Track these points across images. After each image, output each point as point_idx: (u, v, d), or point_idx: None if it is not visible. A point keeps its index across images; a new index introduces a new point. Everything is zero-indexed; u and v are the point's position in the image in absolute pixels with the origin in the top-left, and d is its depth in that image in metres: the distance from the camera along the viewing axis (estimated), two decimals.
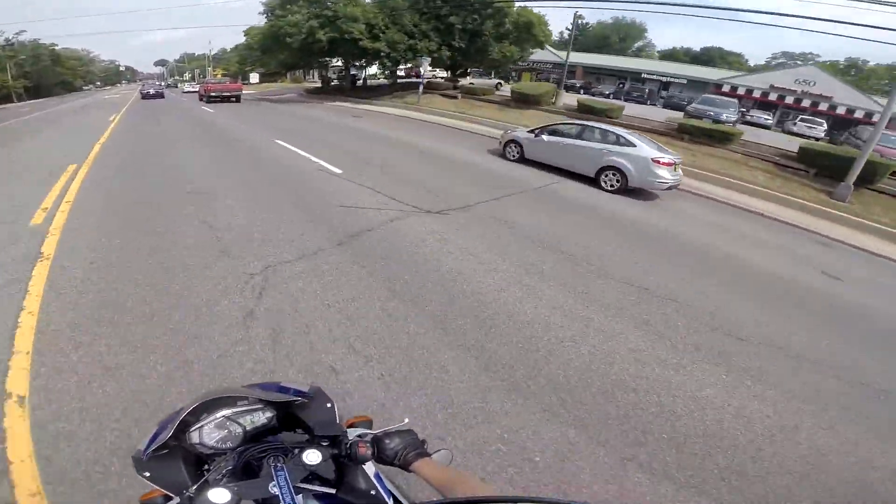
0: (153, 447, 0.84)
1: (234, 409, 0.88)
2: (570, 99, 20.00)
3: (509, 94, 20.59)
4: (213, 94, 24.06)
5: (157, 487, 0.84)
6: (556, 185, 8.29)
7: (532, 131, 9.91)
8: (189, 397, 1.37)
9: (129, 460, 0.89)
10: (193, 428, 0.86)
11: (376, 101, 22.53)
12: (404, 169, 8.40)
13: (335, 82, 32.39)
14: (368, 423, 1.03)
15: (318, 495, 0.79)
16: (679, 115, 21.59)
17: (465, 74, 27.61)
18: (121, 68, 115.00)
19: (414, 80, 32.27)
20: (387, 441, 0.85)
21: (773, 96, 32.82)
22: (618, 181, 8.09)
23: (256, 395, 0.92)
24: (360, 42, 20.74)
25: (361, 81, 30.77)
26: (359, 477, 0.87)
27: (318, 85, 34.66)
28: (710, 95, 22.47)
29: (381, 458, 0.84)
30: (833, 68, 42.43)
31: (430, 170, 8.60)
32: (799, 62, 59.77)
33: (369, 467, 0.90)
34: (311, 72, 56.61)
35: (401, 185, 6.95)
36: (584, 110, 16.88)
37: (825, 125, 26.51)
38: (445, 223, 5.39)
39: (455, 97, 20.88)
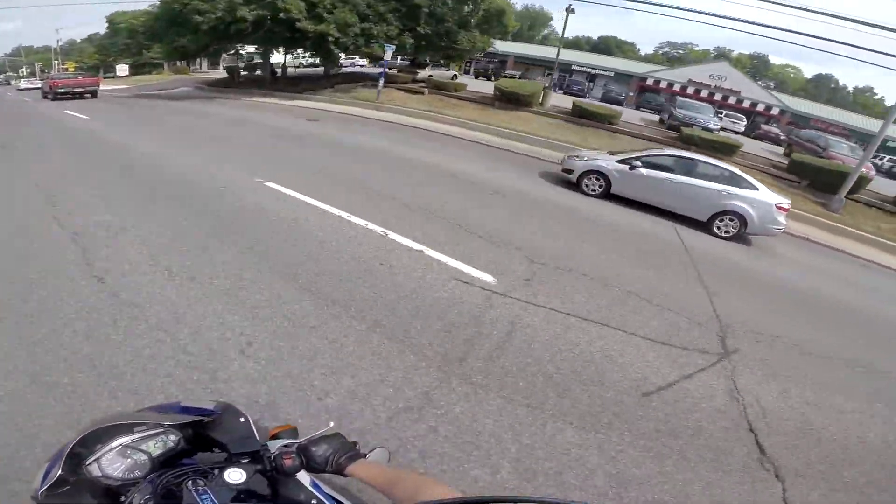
0: (46, 485, 0.75)
1: (132, 437, 0.80)
2: (557, 100, 17.97)
3: (476, 90, 17.95)
4: (61, 89, 20.36)
5: None
6: (674, 230, 6.68)
7: (625, 162, 7.55)
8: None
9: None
10: (90, 461, 0.77)
11: (314, 96, 18.09)
12: (486, 220, 5.43)
13: (245, 73, 26.50)
14: (293, 432, 0.97)
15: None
16: (653, 117, 21.05)
17: (421, 65, 24.12)
18: None
19: (351, 69, 27.91)
20: (314, 449, 0.84)
21: (690, 90, 34.84)
22: (734, 227, 6.98)
23: (153, 419, 0.85)
24: (299, 24, 16.24)
25: (280, 72, 25.49)
26: (295, 489, 0.82)
27: (221, 76, 28.25)
28: (685, 99, 22.19)
29: (311, 466, 0.83)
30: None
31: (522, 221, 5.75)
32: (681, 51, 66.61)
33: (303, 477, 0.85)
34: (200, 62, 47.52)
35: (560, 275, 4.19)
36: (581, 114, 14.90)
37: (745, 120, 28.57)
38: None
39: (420, 92, 17.55)
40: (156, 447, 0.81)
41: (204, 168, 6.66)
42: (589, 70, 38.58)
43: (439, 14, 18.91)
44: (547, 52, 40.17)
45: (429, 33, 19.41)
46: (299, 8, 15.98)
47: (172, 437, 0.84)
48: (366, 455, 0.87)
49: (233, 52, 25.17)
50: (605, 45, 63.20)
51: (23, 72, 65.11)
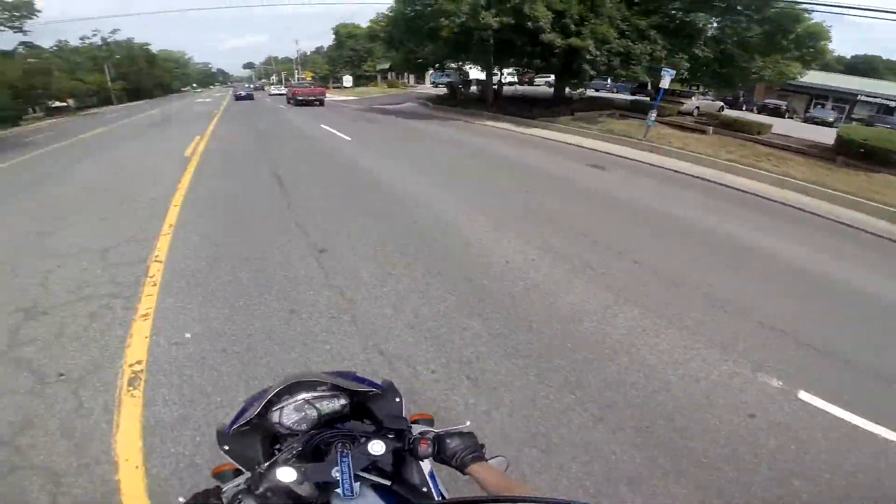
0: (238, 424, 0.89)
1: (314, 394, 0.91)
2: None
3: (781, 131, 12.78)
4: (299, 97, 24.95)
5: (232, 461, 0.88)
6: None
7: None
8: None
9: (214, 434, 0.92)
10: (276, 408, 0.89)
11: (551, 124, 15.37)
12: None
13: (467, 90, 25.49)
14: (430, 422, 1.02)
15: (374, 485, 0.78)
16: None
17: (682, 94, 19.55)
18: (213, 70, 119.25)
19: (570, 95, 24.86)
20: (448, 441, 0.86)
21: None
22: None
23: (335, 381, 0.94)
24: (544, 35, 13.80)
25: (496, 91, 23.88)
26: (414, 472, 0.86)
27: (438, 92, 28.37)
28: None
29: (439, 456, 0.86)
30: None
31: None
32: None
33: (425, 465, 0.90)
34: (407, 75, 50.99)
35: None
36: None
37: None
38: None
39: (700, 131, 13.37)
40: (326, 407, 0.91)
41: (508, 245, 4.70)
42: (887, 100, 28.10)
43: (730, 34, 14.44)
44: (818, 77, 30.78)
45: (708, 57, 15.03)
46: (547, 17, 13.43)
47: (342, 402, 0.93)
48: (487, 459, 0.86)
49: (456, 65, 24.43)
50: (868, 66, 47.88)
51: (272, 79, 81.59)
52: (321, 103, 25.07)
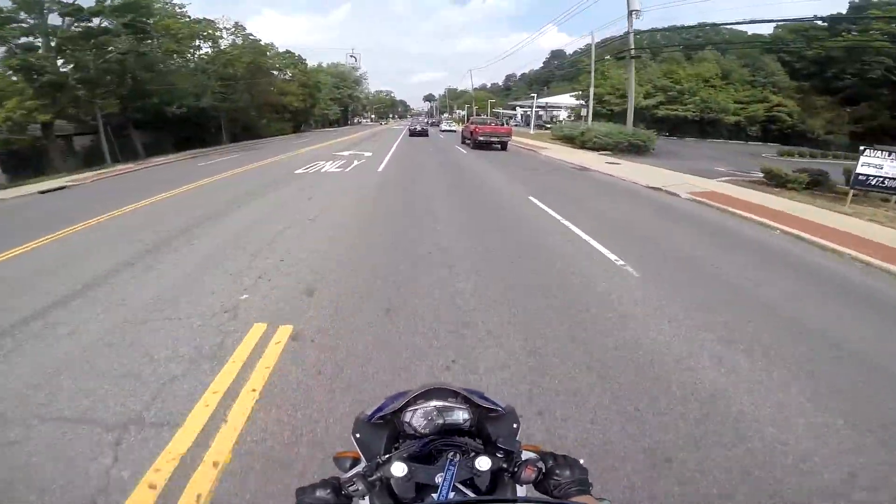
0: (378, 416, 0.97)
1: (445, 403, 0.95)
2: None
3: None
4: (480, 138, 20.06)
5: (357, 449, 0.95)
6: None
7: None
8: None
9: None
10: (410, 409, 0.95)
11: None
12: None
13: None
14: (539, 451, 0.97)
15: (467, 500, 0.81)
16: None
17: None
18: (394, 99, 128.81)
19: None
20: (557, 471, 0.86)
21: None
22: None
23: (465, 395, 0.97)
24: None
25: None
26: (507, 495, 0.86)
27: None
28: None
29: (542, 485, 0.86)
30: None
31: None
32: None
33: (521, 491, 0.90)
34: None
35: None
36: None
37: None
38: None
39: None
40: (451, 417, 0.95)
41: None
42: None
43: None
44: None
45: None
46: None
47: (465, 416, 0.96)
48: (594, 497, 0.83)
49: None
50: None
51: (444, 115, 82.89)
52: (504, 147, 20.30)
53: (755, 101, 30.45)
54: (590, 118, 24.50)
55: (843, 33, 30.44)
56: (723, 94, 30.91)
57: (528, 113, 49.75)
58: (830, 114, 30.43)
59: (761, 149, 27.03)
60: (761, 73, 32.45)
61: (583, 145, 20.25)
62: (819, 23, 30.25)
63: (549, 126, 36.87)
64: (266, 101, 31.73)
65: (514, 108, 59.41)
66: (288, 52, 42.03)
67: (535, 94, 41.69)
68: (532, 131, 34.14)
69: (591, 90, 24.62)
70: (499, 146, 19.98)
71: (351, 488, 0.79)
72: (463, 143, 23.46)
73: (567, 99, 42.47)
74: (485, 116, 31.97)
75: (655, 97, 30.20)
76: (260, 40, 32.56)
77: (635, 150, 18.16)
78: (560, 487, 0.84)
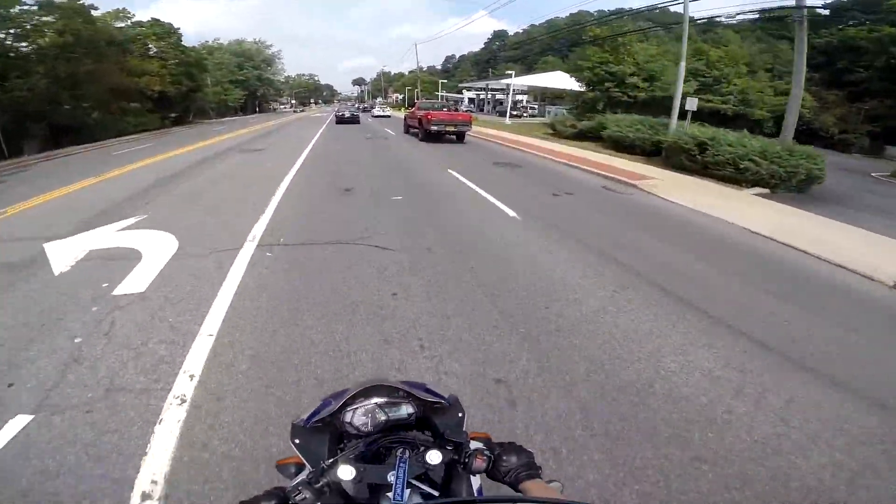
0: (315, 419, 0.92)
1: (386, 399, 0.93)
2: None
3: None
4: (432, 127, 14.82)
5: (299, 455, 0.91)
6: None
7: None
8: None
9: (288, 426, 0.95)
10: (350, 408, 0.91)
11: None
12: None
13: None
14: (487, 440, 0.97)
15: (422, 494, 0.78)
16: None
17: None
18: (317, 83, 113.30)
19: None
20: (505, 457, 0.86)
21: None
22: None
23: (408, 390, 0.95)
24: None
25: None
26: (463, 486, 0.86)
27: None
28: None
29: (493, 472, 0.86)
30: None
31: None
32: None
33: (475, 480, 0.91)
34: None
35: None
36: None
37: None
38: None
39: None
40: (394, 413, 0.92)
41: None
42: None
43: None
44: None
45: None
46: None
47: (409, 410, 0.93)
48: (543, 480, 0.85)
49: None
50: None
51: (393, 96, 72.54)
52: (461, 138, 15.82)
53: (780, 92, 24.80)
54: (674, 117, 12.44)
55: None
56: (759, 84, 24.44)
57: (483, 97, 42.03)
58: (841, 109, 26.20)
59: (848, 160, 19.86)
60: (778, 61, 27.16)
61: (702, 170, 9.53)
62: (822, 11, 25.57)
63: (527, 115, 28.99)
64: (110, 86, 20.88)
65: (460, 92, 51.39)
66: (155, 20, 30.20)
67: (513, 73, 30.34)
68: (507, 121, 25.74)
69: (682, 66, 12.60)
70: (454, 137, 15.56)
71: (298, 497, 0.73)
72: (407, 132, 18.50)
73: (560, 79, 33.94)
74: (434, 101, 23.51)
75: (688, 83, 22.19)
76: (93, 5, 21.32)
77: (790, 183, 8.56)
78: (510, 473, 0.84)
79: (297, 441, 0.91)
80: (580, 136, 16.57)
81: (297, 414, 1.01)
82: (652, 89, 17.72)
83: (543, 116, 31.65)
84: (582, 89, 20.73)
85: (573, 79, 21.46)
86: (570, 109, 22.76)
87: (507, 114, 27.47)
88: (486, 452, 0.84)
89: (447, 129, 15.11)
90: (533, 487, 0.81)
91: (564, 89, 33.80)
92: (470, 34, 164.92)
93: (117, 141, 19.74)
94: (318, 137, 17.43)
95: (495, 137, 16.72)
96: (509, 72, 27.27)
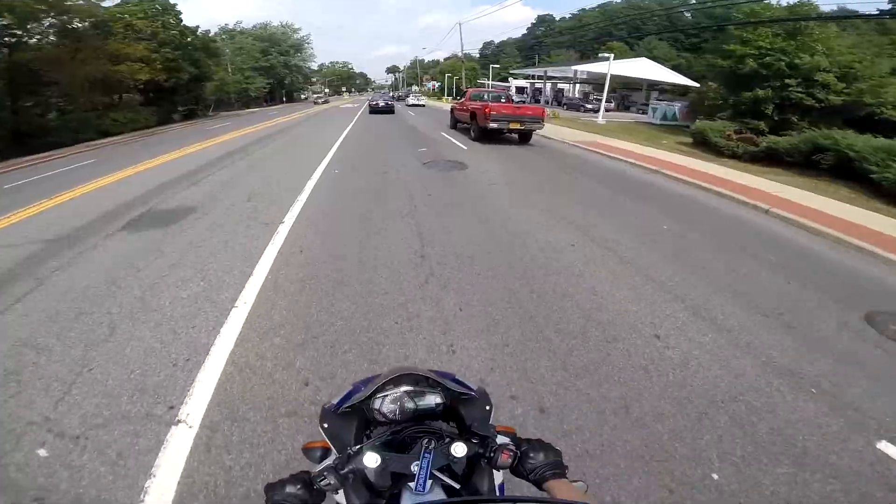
0: (345, 405, 0.91)
1: (415, 388, 0.91)
2: None
3: None
4: (491, 124, 11.21)
5: (326, 439, 0.89)
6: None
7: None
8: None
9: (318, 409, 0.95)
10: (380, 395, 0.90)
11: None
12: None
13: None
14: (513, 435, 0.93)
15: (444, 486, 0.77)
16: None
17: None
18: (352, 71, 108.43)
19: None
20: (532, 454, 0.83)
21: None
22: None
23: (437, 379, 0.93)
24: None
25: None
26: (485, 481, 0.84)
27: None
28: None
29: (518, 469, 0.83)
30: None
31: None
32: None
33: (497, 476, 0.89)
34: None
35: None
36: None
37: None
38: None
39: None
40: (423, 402, 0.91)
41: None
42: None
43: None
44: None
45: None
46: None
47: (437, 400, 0.92)
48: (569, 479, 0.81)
49: None
50: None
51: (429, 85, 67.36)
52: (526, 138, 12.33)
53: None
54: None
55: None
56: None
57: (538, 87, 35.51)
58: None
59: None
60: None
61: None
62: None
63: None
64: (82, 77, 16.63)
65: (505, 80, 44.96)
66: None
67: (611, 56, 20.35)
68: (600, 119, 19.23)
69: None
70: (516, 136, 12.45)
71: (322, 483, 0.74)
72: (454, 128, 15.22)
73: (645, 68, 27.40)
74: (482, 90, 17.67)
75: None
76: None
77: None
78: (536, 471, 0.81)
79: (325, 425, 0.90)
80: (760, 158, 10.21)
81: (326, 399, 1.00)
82: (848, 91, 11.32)
83: (641, 113, 25.83)
84: (687, 83, 14.31)
85: (663, 68, 14.98)
86: (704, 108, 15.19)
87: (601, 110, 20.59)
88: (512, 448, 0.81)
89: (511, 126, 11.57)
90: (557, 487, 0.78)
91: (662, 81, 27.26)
92: (506, 22, 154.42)
93: (70, 150, 15.04)
94: (344, 139, 11.64)
95: (613, 151, 10.64)
96: (604, 55, 19.67)
